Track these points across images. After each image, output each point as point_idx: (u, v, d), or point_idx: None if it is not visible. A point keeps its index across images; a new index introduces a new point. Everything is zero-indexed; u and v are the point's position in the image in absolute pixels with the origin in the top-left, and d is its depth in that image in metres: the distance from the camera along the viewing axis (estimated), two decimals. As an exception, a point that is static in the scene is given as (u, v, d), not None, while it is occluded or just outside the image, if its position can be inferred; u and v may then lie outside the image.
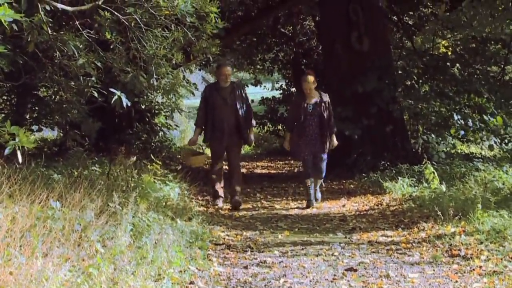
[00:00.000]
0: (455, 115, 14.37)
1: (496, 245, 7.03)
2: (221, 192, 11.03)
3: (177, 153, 18.00)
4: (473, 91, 15.02)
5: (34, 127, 13.19)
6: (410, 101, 14.65)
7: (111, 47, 8.09)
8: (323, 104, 10.85)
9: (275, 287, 5.83)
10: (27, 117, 13.15)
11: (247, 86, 20.99)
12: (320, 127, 10.81)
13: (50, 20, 7.44)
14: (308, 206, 10.84)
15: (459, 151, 15.61)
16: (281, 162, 20.27)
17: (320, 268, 6.54)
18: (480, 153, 15.69)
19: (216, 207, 10.70)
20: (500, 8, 13.12)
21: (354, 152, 14.05)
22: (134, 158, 11.47)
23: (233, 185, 10.96)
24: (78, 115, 9.54)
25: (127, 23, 7.69)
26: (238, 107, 10.84)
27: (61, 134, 15.17)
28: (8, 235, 4.98)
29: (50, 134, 16.13)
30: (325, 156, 10.93)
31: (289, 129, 11.21)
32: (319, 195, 11.28)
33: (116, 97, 6.75)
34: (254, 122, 11.68)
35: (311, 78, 10.88)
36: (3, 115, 13.42)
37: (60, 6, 7.18)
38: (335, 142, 11.03)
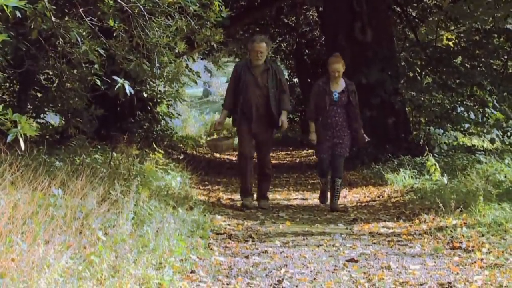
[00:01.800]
0: (458, 108, 14.36)
1: (497, 238, 7.03)
2: (251, 188, 9.87)
3: (179, 142, 18.03)
4: (476, 84, 15.00)
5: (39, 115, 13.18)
6: (412, 93, 14.65)
7: (114, 35, 8.07)
8: (349, 93, 9.58)
9: (276, 277, 5.82)
10: (29, 104, 13.14)
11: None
12: (347, 119, 9.59)
13: (54, 7, 7.42)
14: (322, 202, 10.00)
15: (461, 143, 15.61)
16: (282, 153, 20.29)
17: (321, 259, 6.54)
18: (482, 146, 15.69)
19: (245, 208, 9.61)
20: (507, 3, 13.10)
21: (356, 143, 14.03)
22: (138, 152, 11.39)
23: (260, 184, 9.93)
24: (80, 103, 9.52)
25: (130, 11, 7.67)
26: (270, 88, 9.55)
27: (63, 122, 15.18)
28: (10, 222, 4.97)
29: (52, 121, 16.10)
30: (346, 154, 9.71)
31: (312, 118, 9.75)
32: (336, 202, 9.71)
33: (119, 84, 6.73)
34: (289, 106, 10.08)
35: (340, 59, 9.63)
36: (5, 102, 13.41)
37: (63, -7, 7.16)
38: (365, 136, 9.82)
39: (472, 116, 14.61)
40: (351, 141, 9.79)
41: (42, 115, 13.80)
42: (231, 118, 9.95)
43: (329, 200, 9.86)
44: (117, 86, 6.83)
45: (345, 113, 9.57)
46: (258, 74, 9.59)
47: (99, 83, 8.13)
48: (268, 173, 9.95)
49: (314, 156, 18.32)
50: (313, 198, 10.87)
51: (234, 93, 9.69)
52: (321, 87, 9.62)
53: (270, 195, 10.74)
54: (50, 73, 11.47)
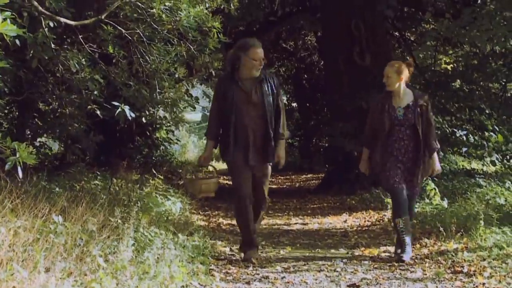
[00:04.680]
0: (457, 131, 14.37)
1: (499, 262, 7.00)
2: (255, 237, 7.68)
3: (178, 167, 18.03)
4: (475, 108, 15.03)
5: (37, 142, 13.20)
6: (412, 117, 14.64)
7: (114, 61, 8.11)
8: (418, 109, 7.43)
9: (278, 303, 5.80)
10: (28, 131, 13.16)
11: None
12: (415, 142, 7.44)
13: (54, 36, 7.46)
14: (400, 259, 7.39)
15: (461, 167, 15.60)
16: (282, 177, 20.26)
17: (323, 284, 6.51)
18: (482, 169, 15.68)
19: (248, 262, 7.48)
20: (501, 24, 13.12)
21: (355, 168, 14.02)
22: (137, 178, 11.39)
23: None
24: (79, 129, 9.54)
25: (130, 37, 7.71)
26: (267, 106, 7.36)
27: (62, 148, 15.20)
28: (11, 249, 4.96)
29: (53, 148, 16.11)
30: (418, 188, 7.66)
31: (365, 144, 7.75)
32: (409, 250, 7.54)
33: (119, 109, 6.76)
34: (287, 132, 7.87)
35: (393, 63, 7.64)
36: (3, 129, 13.43)
37: (63, 20, 7.20)
38: (438, 166, 7.59)
39: (472, 139, 14.60)
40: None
41: (40, 141, 13.81)
42: (219, 148, 7.71)
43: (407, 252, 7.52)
44: (117, 111, 6.85)
45: (414, 135, 7.45)
46: (250, 89, 7.36)
47: (98, 112, 8.15)
48: (262, 213, 7.98)
49: (314, 181, 18.33)
50: (313, 223, 10.84)
51: (218, 118, 7.50)
52: (379, 102, 7.54)
53: (270, 220, 10.74)
54: (50, 100, 11.49)
